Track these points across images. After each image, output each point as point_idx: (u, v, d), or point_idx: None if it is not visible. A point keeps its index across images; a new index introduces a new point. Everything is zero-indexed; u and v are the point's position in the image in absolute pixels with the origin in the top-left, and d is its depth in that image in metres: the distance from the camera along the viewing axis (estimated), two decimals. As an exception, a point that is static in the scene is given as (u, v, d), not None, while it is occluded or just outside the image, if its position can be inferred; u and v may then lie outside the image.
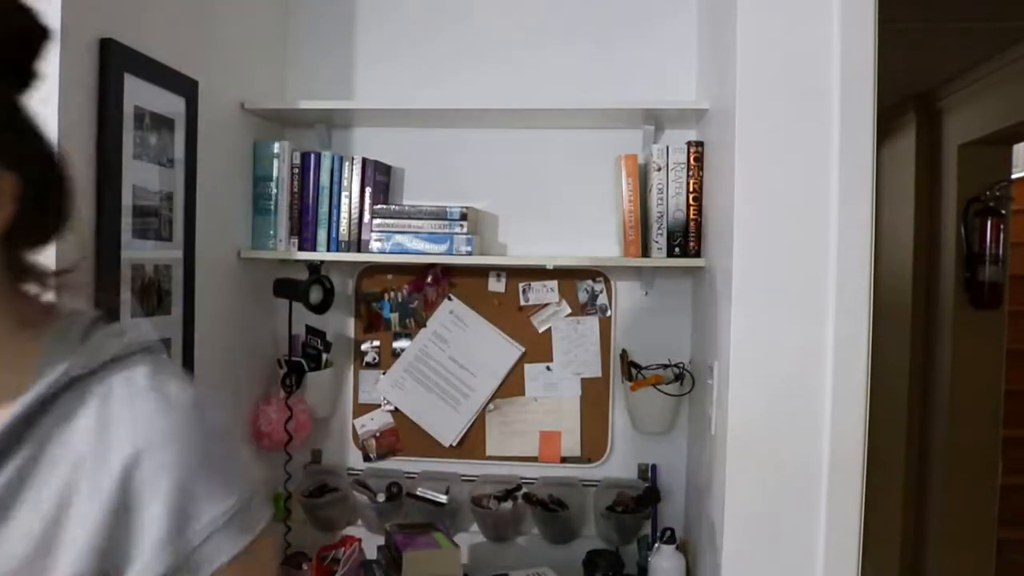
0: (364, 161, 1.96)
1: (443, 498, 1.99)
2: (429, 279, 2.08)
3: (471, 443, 2.09)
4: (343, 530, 2.10)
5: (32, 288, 0.69)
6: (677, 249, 1.83)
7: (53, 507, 0.60)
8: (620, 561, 1.94)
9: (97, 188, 1.36)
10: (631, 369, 2.01)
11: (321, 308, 1.99)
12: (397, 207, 1.93)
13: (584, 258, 1.94)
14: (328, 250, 1.95)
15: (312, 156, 1.95)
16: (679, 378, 1.94)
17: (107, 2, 1.38)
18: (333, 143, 2.11)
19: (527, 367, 2.07)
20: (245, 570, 0.64)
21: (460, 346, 2.09)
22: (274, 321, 2.10)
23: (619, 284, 2.05)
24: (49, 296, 0.70)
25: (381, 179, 2.00)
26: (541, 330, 2.07)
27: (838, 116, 1.39)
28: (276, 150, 1.94)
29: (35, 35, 0.64)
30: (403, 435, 2.12)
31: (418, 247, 1.90)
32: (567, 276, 2.05)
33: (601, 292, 2.05)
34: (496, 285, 2.08)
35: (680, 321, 2.03)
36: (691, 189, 1.82)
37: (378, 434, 2.13)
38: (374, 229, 1.93)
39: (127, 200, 1.44)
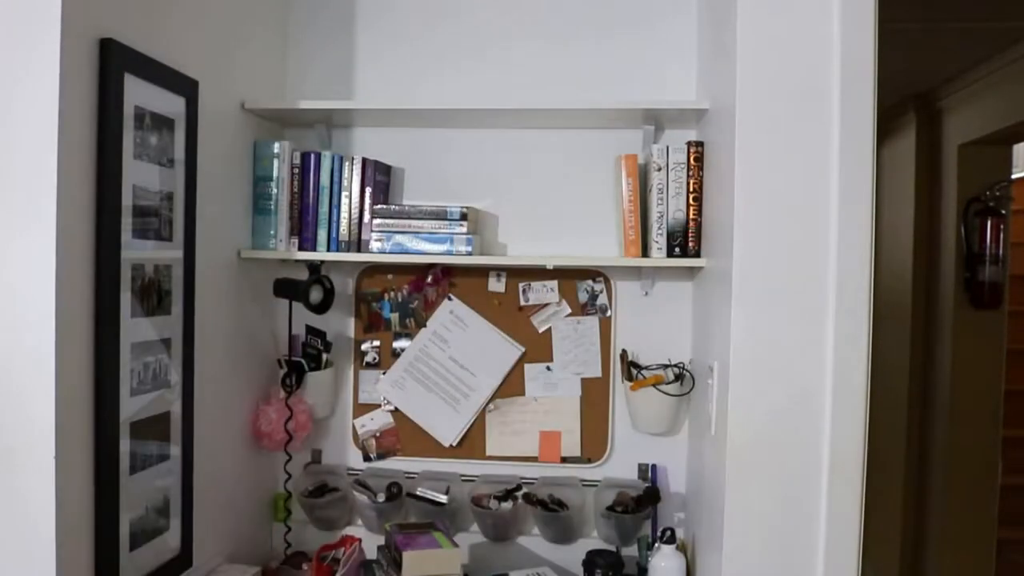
0: (364, 161, 1.96)
1: (443, 498, 1.99)
2: (429, 279, 2.08)
3: (471, 443, 2.09)
4: (343, 530, 2.10)
5: None
6: (677, 249, 1.83)
7: None
8: (620, 561, 1.94)
9: (97, 188, 1.36)
10: (631, 369, 2.01)
11: (321, 308, 1.99)
12: (397, 207, 1.93)
13: (584, 258, 1.94)
14: (328, 250, 1.95)
15: (312, 156, 1.95)
16: (679, 378, 1.94)
17: (107, 2, 1.38)
18: (333, 143, 2.11)
19: (527, 367, 2.07)
20: None
21: (460, 346, 2.09)
22: (274, 321, 2.10)
23: (619, 284, 2.05)
24: None
25: (381, 179, 2.00)
26: (541, 330, 2.07)
27: (838, 116, 1.39)
28: (276, 150, 1.94)
29: None
30: (403, 435, 2.12)
31: (418, 247, 1.90)
32: (567, 276, 2.05)
33: (601, 292, 2.05)
34: (496, 285, 2.08)
35: (680, 321, 2.03)
36: (691, 189, 1.82)
37: (378, 434, 2.13)
38: (374, 229, 1.93)
39: (127, 200, 1.44)
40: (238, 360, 1.92)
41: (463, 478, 2.08)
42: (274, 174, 1.94)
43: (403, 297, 2.11)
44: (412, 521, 1.99)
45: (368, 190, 1.96)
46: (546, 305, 2.06)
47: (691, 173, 1.82)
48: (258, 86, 1.97)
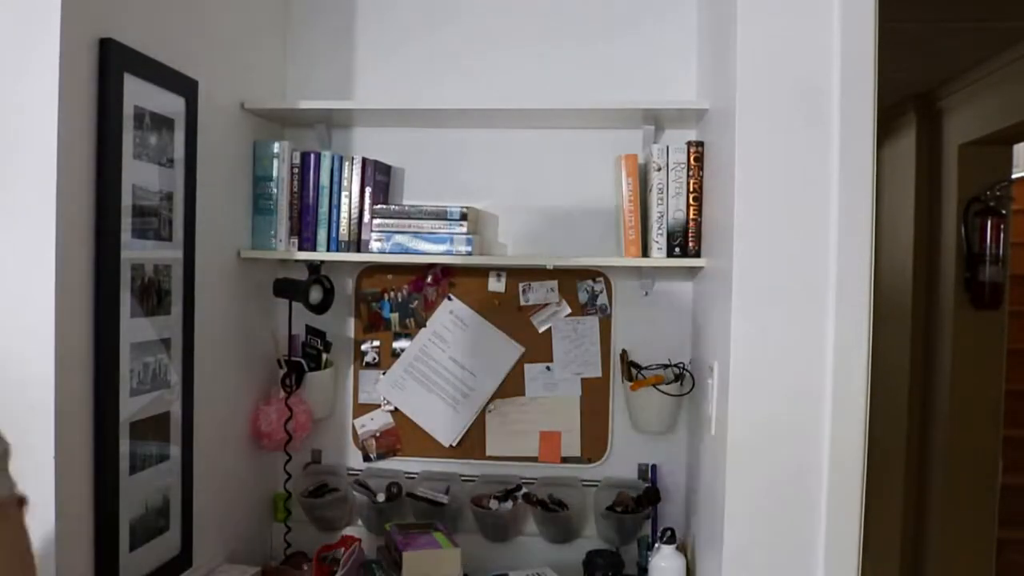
0: (364, 161, 1.96)
1: (443, 498, 1.99)
2: (429, 279, 2.08)
3: (471, 443, 2.09)
4: (343, 530, 2.10)
5: None
6: (677, 249, 1.83)
7: None
8: (620, 561, 1.94)
9: (97, 188, 1.36)
10: (631, 369, 2.01)
11: (321, 308, 1.99)
12: (397, 207, 1.93)
13: (584, 258, 1.94)
14: (328, 250, 1.95)
15: (312, 156, 1.95)
16: (679, 378, 1.94)
17: (107, 2, 1.38)
18: (333, 143, 2.11)
19: (527, 367, 2.07)
20: None
21: (460, 346, 2.09)
22: (274, 321, 2.10)
23: (619, 284, 2.05)
24: None
25: (381, 179, 2.00)
26: (541, 330, 2.07)
27: (838, 116, 1.39)
28: (276, 150, 1.94)
29: None
30: (403, 435, 2.12)
31: (418, 247, 1.90)
32: (567, 276, 2.05)
33: (601, 292, 2.05)
34: (496, 285, 2.08)
35: (680, 321, 2.03)
36: (691, 189, 1.82)
37: (378, 434, 2.13)
38: (374, 229, 1.93)
39: (127, 200, 1.44)
40: (238, 360, 1.92)
41: (463, 478, 2.08)
42: (274, 174, 1.94)
43: (403, 297, 2.10)
44: (412, 521, 1.99)
45: (368, 190, 1.96)
46: (546, 305, 2.06)
47: (691, 173, 1.82)
48: (258, 86, 1.97)
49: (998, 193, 3.25)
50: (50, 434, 1.27)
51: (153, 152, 1.52)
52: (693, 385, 1.92)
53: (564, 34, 2.05)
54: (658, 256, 1.84)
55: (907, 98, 3.58)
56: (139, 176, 1.47)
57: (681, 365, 1.97)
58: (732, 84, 1.45)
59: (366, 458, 2.13)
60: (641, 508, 1.93)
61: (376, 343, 2.12)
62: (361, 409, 2.13)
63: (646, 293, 2.05)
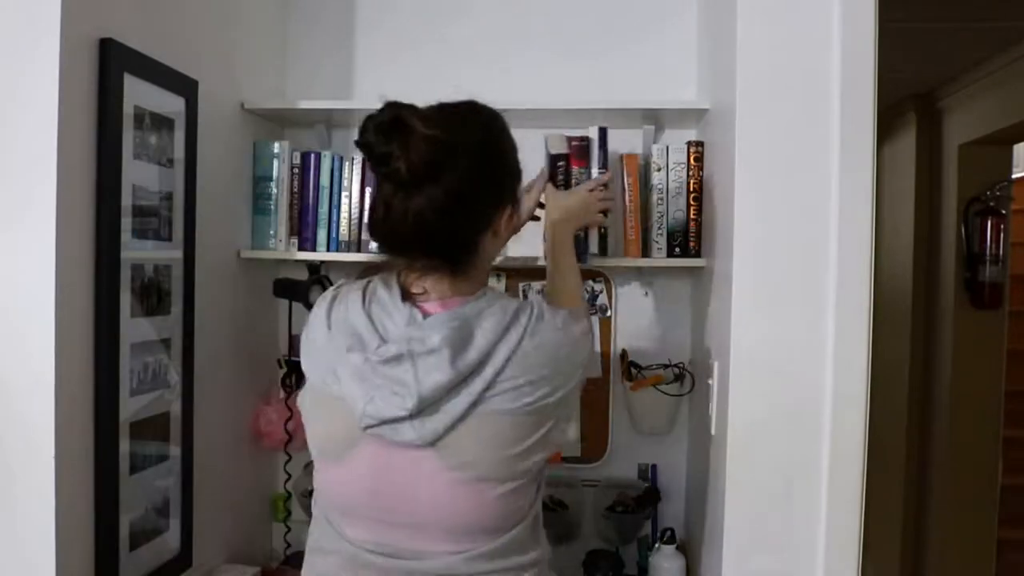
0: (364, 161, 1.96)
1: (443, 498, 1.99)
2: (429, 279, 2.08)
3: (471, 443, 2.09)
4: (343, 530, 2.09)
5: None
6: (677, 249, 1.83)
7: None
8: (620, 561, 1.94)
9: (97, 188, 1.36)
10: (631, 369, 2.01)
11: (321, 308, 1.99)
12: (397, 207, 1.93)
13: (585, 257, 1.93)
14: (328, 250, 1.95)
15: (312, 156, 1.95)
16: (679, 378, 1.94)
17: (107, 2, 1.38)
18: (333, 143, 2.11)
19: (527, 367, 2.06)
20: None
21: (460, 346, 2.08)
22: (274, 321, 2.10)
23: (619, 284, 2.05)
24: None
25: (381, 179, 1.99)
26: (541, 330, 2.06)
27: (838, 116, 1.39)
28: (276, 150, 1.94)
29: None
30: (403, 435, 2.12)
31: (418, 247, 1.90)
32: (567, 276, 2.05)
33: (601, 292, 2.05)
34: (496, 285, 2.08)
35: (680, 321, 2.03)
36: (691, 189, 1.82)
37: (378, 434, 2.12)
38: (374, 229, 1.93)
39: (127, 200, 1.44)
40: (238, 360, 1.92)
41: (463, 478, 2.07)
42: (274, 174, 1.94)
43: (403, 297, 2.10)
44: (412, 521, 1.99)
45: (368, 190, 1.96)
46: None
47: (691, 173, 1.82)
48: (258, 86, 1.97)
49: (998, 193, 3.25)
50: (50, 434, 1.27)
51: (153, 152, 1.52)
52: (693, 385, 1.92)
53: (564, 34, 2.05)
54: (658, 256, 1.84)
55: (907, 98, 3.58)
56: (139, 176, 1.47)
57: (681, 365, 1.97)
58: (732, 84, 1.46)
59: (366, 458, 2.12)
60: (641, 508, 1.93)
61: (376, 343, 2.11)
62: (361, 409, 2.12)
63: (646, 293, 2.04)
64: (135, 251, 1.47)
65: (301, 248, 1.95)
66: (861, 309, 1.38)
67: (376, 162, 1.07)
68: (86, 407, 1.36)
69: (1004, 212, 3.25)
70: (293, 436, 1.97)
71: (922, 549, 3.59)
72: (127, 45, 1.41)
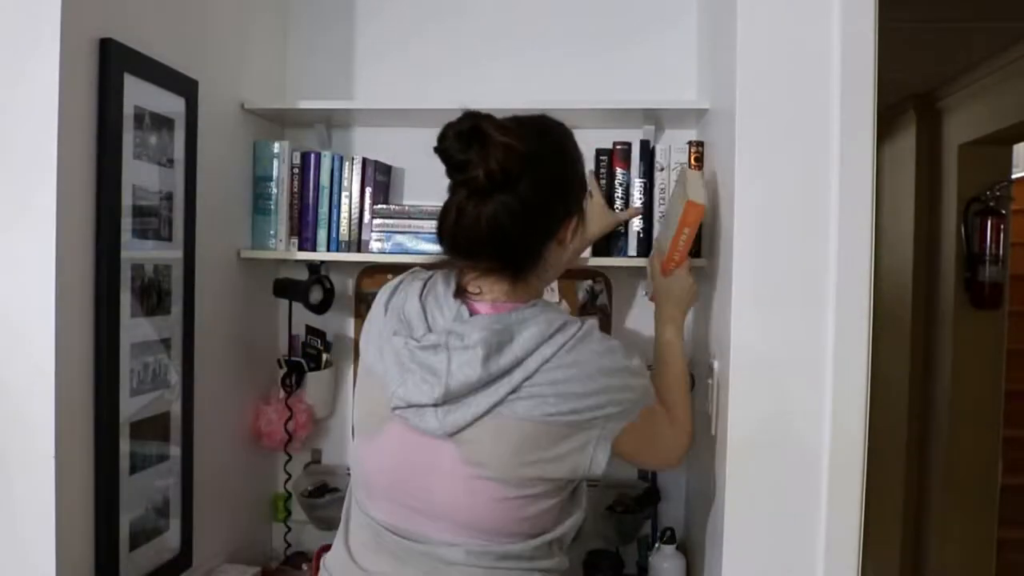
0: (364, 161, 1.96)
1: (443, 498, 1.99)
2: (429, 279, 2.08)
3: (471, 443, 2.09)
4: (343, 530, 2.09)
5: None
6: (677, 249, 1.83)
7: None
8: (620, 561, 1.94)
9: (97, 188, 1.36)
10: (631, 369, 2.00)
11: (321, 308, 1.99)
12: (397, 207, 1.93)
13: (584, 258, 1.93)
14: (328, 250, 1.95)
15: (312, 156, 1.95)
16: (679, 378, 1.94)
17: (107, 2, 1.38)
18: (333, 143, 2.11)
19: (527, 367, 2.06)
20: None
21: (460, 346, 2.08)
22: (274, 321, 2.10)
23: (619, 284, 2.05)
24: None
25: (381, 179, 2.00)
26: (541, 330, 2.06)
27: (838, 116, 1.39)
28: (276, 150, 1.94)
29: None
30: (403, 435, 2.12)
31: (418, 247, 1.90)
32: (567, 276, 2.05)
33: (601, 292, 2.05)
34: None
35: (680, 321, 2.02)
36: (691, 189, 1.81)
37: (378, 434, 2.12)
38: (374, 229, 1.93)
39: (127, 200, 1.44)
40: (238, 360, 1.92)
41: (463, 478, 2.07)
42: (274, 174, 1.94)
43: (403, 297, 2.10)
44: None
45: (368, 190, 1.96)
46: (546, 305, 2.06)
47: (691, 173, 1.81)
48: (258, 86, 1.97)
49: (998, 193, 3.25)
50: (50, 434, 1.27)
51: (153, 152, 1.52)
52: (693, 385, 1.92)
53: (564, 34, 2.05)
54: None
55: (907, 98, 3.58)
56: (139, 176, 1.47)
57: (681, 365, 1.96)
58: (732, 84, 1.45)
59: (366, 458, 2.13)
60: (641, 508, 1.93)
61: (376, 343, 2.12)
62: (361, 409, 2.12)
63: (646, 293, 2.04)
64: (135, 251, 1.47)
65: (301, 248, 1.95)
66: (861, 309, 1.38)
67: (453, 168, 1.15)
68: (86, 407, 1.36)
69: (1004, 212, 3.25)
70: (293, 436, 1.97)
71: (922, 549, 3.59)
72: (127, 45, 1.41)
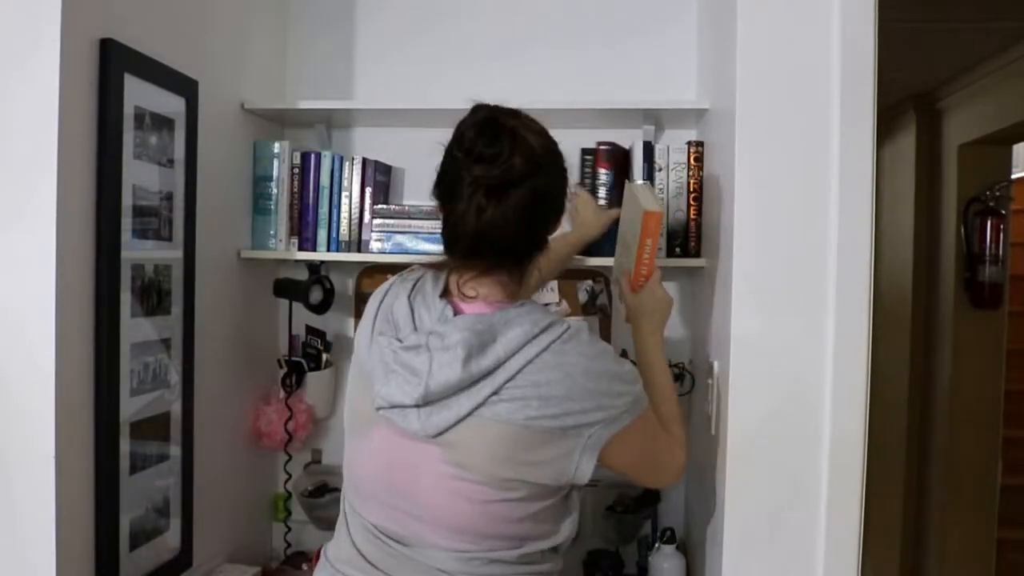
0: (364, 161, 1.96)
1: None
2: (429, 279, 2.08)
3: (471, 443, 2.09)
4: (343, 530, 2.09)
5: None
6: (677, 249, 1.83)
7: None
8: (620, 561, 1.94)
9: (97, 188, 1.36)
10: (631, 369, 2.00)
11: (321, 308, 1.99)
12: (397, 207, 1.93)
13: (584, 258, 1.93)
14: (328, 250, 1.95)
15: (312, 156, 1.95)
16: (679, 378, 1.94)
17: (107, 2, 1.38)
18: (333, 143, 2.11)
19: (527, 367, 2.06)
20: None
21: (460, 346, 2.08)
22: (274, 321, 2.10)
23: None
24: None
25: (381, 179, 2.00)
26: (541, 330, 2.06)
27: (838, 116, 1.39)
28: (276, 150, 1.94)
29: None
30: (403, 435, 2.12)
31: (418, 247, 1.90)
32: (567, 276, 2.05)
33: (601, 292, 2.05)
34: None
35: (680, 321, 2.02)
36: (691, 189, 1.82)
37: (378, 434, 2.12)
38: (374, 229, 1.93)
39: (127, 200, 1.44)
40: (238, 360, 1.92)
41: (463, 478, 2.07)
42: (274, 174, 1.94)
43: (403, 297, 2.10)
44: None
45: (368, 190, 1.96)
46: (546, 305, 2.06)
47: (691, 173, 1.82)
48: (258, 86, 1.97)
49: (998, 193, 3.25)
50: (50, 434, 1.27)
51: (153, 152, 1.52)
52: (693, 385, 1.92)
53: (564, 34, 2.05)
54: (658, 256, 1.84)
55: (907, 98, 3.58)
56: (139, 176, 1.47)
57: (681, 365, 1.96)
58: (732, 84, 1.46)
59: (366, 458, 2.13)
60: (641, 508, 1.93)
61: (376, 343, 2.11)
62: (361, 409, 2.12)
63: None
64: (135, 251, 1.47)
65: (301, 248, 1.95)
66: (861, 309, 1.38)
67: (479, 161, 1.12)
68: (86, 407, 1.36)
69: (1004, 212, 3.25)
70: (293, 436, 1.97)
71: (922, 549, 3.59)
72: (127, 45, 1.41)
